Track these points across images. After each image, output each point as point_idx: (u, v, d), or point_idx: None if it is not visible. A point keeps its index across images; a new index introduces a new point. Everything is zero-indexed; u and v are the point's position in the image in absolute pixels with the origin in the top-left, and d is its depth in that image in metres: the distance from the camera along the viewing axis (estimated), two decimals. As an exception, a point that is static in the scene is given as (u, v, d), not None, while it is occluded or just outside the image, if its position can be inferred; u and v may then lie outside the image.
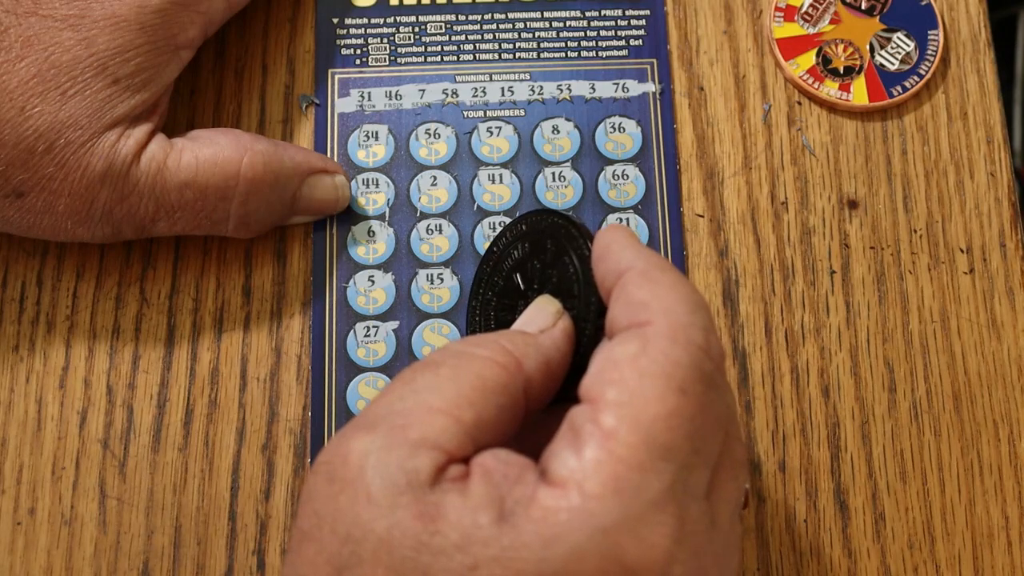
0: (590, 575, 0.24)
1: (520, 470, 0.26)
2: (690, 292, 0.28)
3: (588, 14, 0.42)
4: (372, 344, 0.38)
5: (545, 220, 0.32)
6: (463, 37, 0.41)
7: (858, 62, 0.41)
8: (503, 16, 0.42)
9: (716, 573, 0.26)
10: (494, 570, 0.24)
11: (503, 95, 0.41)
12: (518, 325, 0.31)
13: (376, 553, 0.24)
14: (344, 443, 0.26)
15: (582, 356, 0.30)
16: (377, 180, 0.40)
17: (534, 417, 0.29)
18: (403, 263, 0.39)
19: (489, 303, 0.34)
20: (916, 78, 0.41)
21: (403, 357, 0.38)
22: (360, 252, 0.39)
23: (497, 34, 0.41)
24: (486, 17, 0.42)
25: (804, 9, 0.42)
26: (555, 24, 0.42)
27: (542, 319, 0.30)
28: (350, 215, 0.39)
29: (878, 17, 0.42)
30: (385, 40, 0.41)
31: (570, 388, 0.30)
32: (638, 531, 0.24)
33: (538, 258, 0.32)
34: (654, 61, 0.41)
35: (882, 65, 0.41)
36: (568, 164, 0.40)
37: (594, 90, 0.41)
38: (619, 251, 0.29)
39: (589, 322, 0.30)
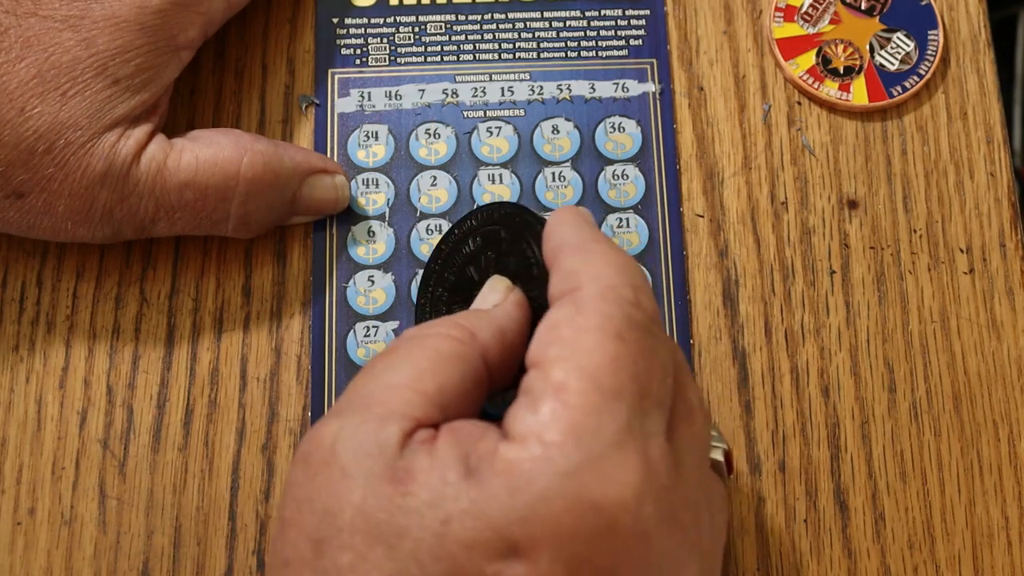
0: (559, 517, 0.24)
1: (483, 430, 0.27)
2: (619, 257, 0.29)
3: (588, 14, 0.42)
4: (372, 344, 0.38)
5: (498, 212, 0.33)
6: (463, 37, 0.41)
7: (858, 62, 0.41)
8: (503, 16, 0.42)
9: (689, 518, 0.26)
10: (465, 522, 0.24)
11: (503, 95, 0.41)
12: (472, 307, 0.32)
13: (353, 521, 0.25)
14: (316, 431, 0.27)
15: None
16: (377, 180, 0.40)
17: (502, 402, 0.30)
18: (403, 263, 0.39)
19: (440, 299, 0.34)
20: (916, 78, 0.41)
21: (403, 357, 0.38)
22: (360, 252, 0.39)
23: (497, 34, 0.41)
24: (486, 17, 0.42)
25: (804, 9, 0.42)
26: (555, 24, 0.42)
27: (494, 296, 0.31)
28: (350, 215, 0.39)
29: (878, 17, 0.42)
30: (385, 40, 0.41)
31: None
32: (601, 470, 0.25)
33: (493, 249, 0.33)
34: (654, 61, 0.41)
35: (882, 65, 0.41)
36: (568, 164, 0.40)
37: (594, 90, 0.41)
38: (559, 230, 0.30)
39: (548, 305, 0.30)
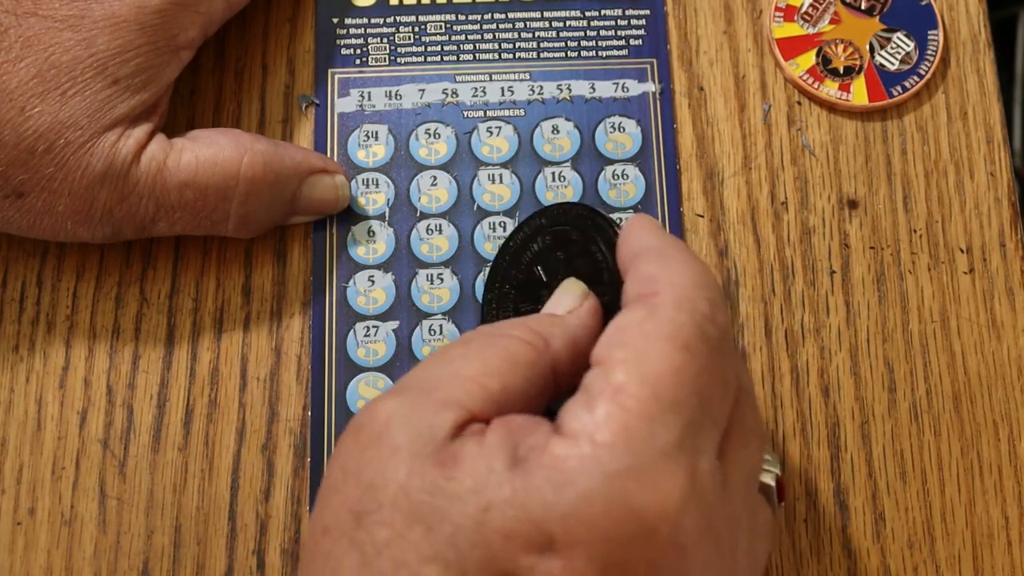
0: (598, 518, 0.24)
1: (535, 424, 0.27)
2: (699, 269, 0.29)
3: (588, 14, 0.42)
4: (372, 344, 0.38)
5: (569, 213, 0.33)
6: (463, 37, 0.41)
7: (858, 62, 0.41)
8: (503, 16, 0.42)
9: (728, 537, 0.26)
10: (506, 511, 0.24)
11: (503, 95, 0.41)
12: (546, 310, 0.32)
13: (395, 499, 0.25)
14: (374, 405, 0.27)
15: None
16: (377, 180, 0.40)
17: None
18: (403, 263, 0.39)
19: (508, 296, 0.34)
20: (916, 78, 0.41)
21: (403, 357, 0.38)
22: (360, 252, 0.39)
23: (497, 34, 0.41)
24: (486, 17, 0.42)
25: (804, 9, 0.42)
26: (555, 24, 0.42)
27: (568, 300, 0.31)
28: (350, 215, 0.39)
29: (878, 17, 0.42)
30: (385, 40, 0.41)
31: None
32: (647, 478, 0.25)
33: (562, 249, 0.33)
34: (654, 61, 0.41)
35: (882, 65, 0.41)
36: (568, 164, 0.40)
37: (594, 90, 0.41)
38: (637, 235, 0.30)
39: (620, 307, 0.30)
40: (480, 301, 0.37)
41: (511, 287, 0.34)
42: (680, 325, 0.27)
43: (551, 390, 0.29)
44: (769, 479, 0.32)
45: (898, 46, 0.41)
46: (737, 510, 0.27)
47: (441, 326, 0.38)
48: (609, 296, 0.31)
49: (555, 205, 0.34)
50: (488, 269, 0.35)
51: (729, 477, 0.27)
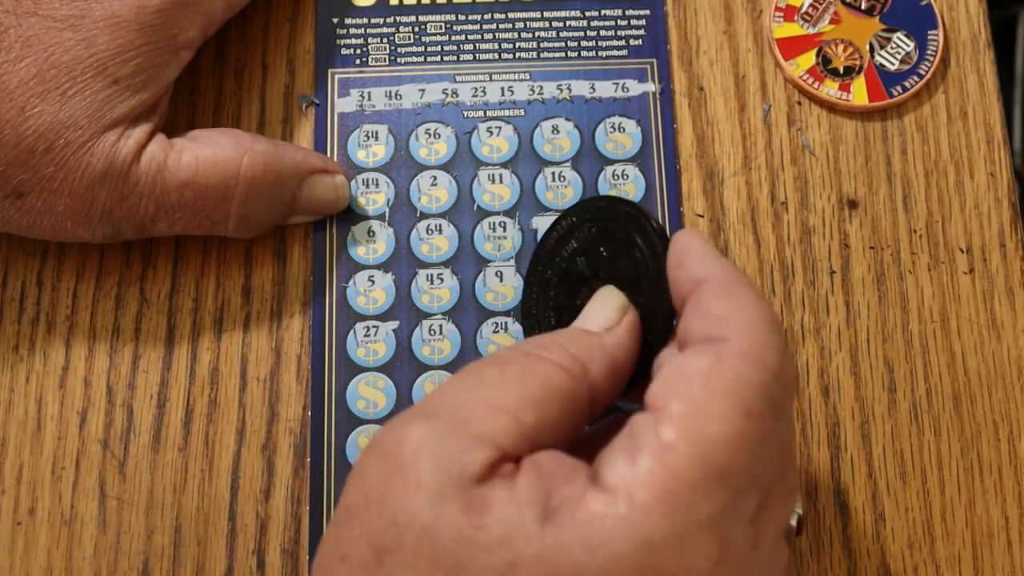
0: None
1: (571, 470, 0.25)
2: (768, 311, 0.27)
3: (588, 14, 0.42)
4: (372, 344, 0.38)
5: (617, 208, 0.31)
6: (463, 37, 0.41)
7: (858, 62, 0.41)
8: (503, 16, 0.42)
9: None
10: (534, 568, 0.24)
11: (503, 95, 0.41)
12: (582, 318, 0.30)
13: (419, 541, 0.24)
14: (402, 427, 0.26)
15: (646, 355, 0.29)
16: (377, 180, 0.40)
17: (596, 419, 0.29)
18: (403, 263, 0.39)
19: (549, 282, 0.33)
20: (916, 78, 0.41)
21: (403, 357, 0.38)
22: (360, 252, 0.39)
23: (497, 34, 0.41)
24: (486, 17, 0.42)
25: (804, 9, 0.42)
26: (555, 24, 0.42)
27: (607, 314, 0.30)
28: (350, 215, 0.39)
29: (878, 17, 0.42)
30: (385, 40, 0.41)
31: (630, 385, 0.29)
32: (681, 549, 0.24)
33: (606, 245, 0.32)
34: (654, 61, 0.41)
35: (882, 65, 0.41)
36: (568, 164, 0.40)
37: (594, 90, 0.41)
38: (698, 259, 0.28)
39: (658, 321, 0.29)
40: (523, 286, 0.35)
41: (553, 274, 0.33)
42: (746, 384, 0.25)
43: (586, 418, 0.28)
44: (792, 520, 0.31)
45: (898, 46, 0.41)
46: (762, 566, 0.26)
47: (441, 326, 0.38)
48: (646, 307, 0.30)
49: (606, 197, 0.32)
50: (533, 251, 0.34)
51: (760, 538, 0.26)
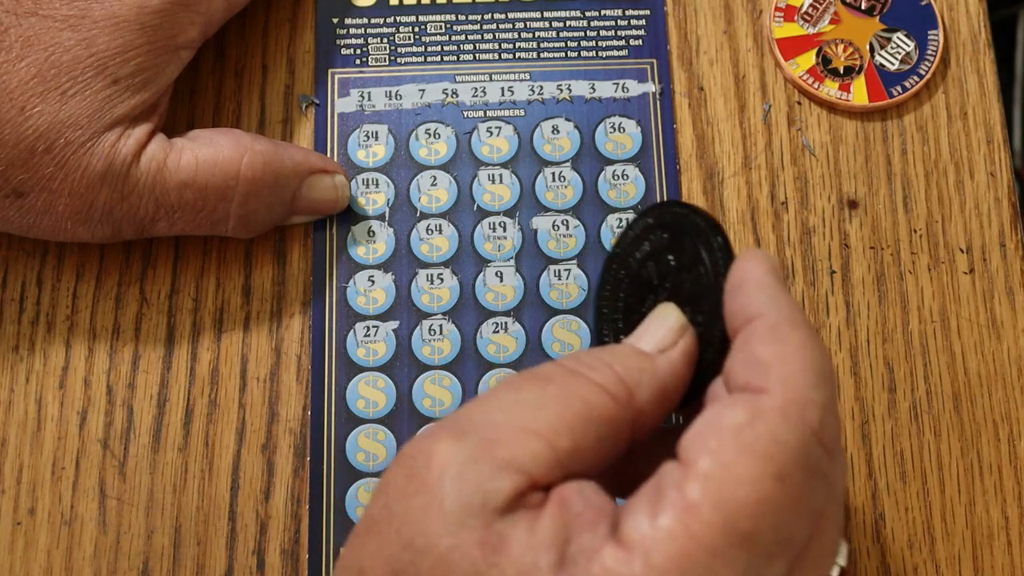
0: None
1: (595, 515, 0.25)
2: (817, 359, 0.25)
3: (588, 14, 0.42)
4: (372, 344, 0.38)
5: (690, 217, 0.30)
6: (463, 37, 0.41)
7: (858, 62, 0.41)
8: (503, 16, 0.42)
9: None
10: None
11: (503, 95, 0.41)
12: (637, 335, 0.29)
13: (433, 569, 0.24)
14: (433, 443, 0.25)
15: (700, 374, 0.29)
16: (377, 180, 0.40)
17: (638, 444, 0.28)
18: (403, 263, 0.39)
19: (621, 281, 0.32)
20: (916, 78, 0.41)
21: (403, 357, 0.38)
22: (360, 252, 0.39)
23: (497, 34, 0.41)
24: (486, 17, 0.42)
25: (804, 9, 0.42)
26: (555, 24, 0.42)
27: (662, 335, 0.28)
28: (350, 215, 0.39)
29: (878, 17, 0.42)
30: (385, 40, 0.41)
31: (680, 406, 0.28)
32: None
33: (675, 254, 0.30)
34: (654, 61, 0.41)
35: (882, 65, 0.41)
36: (568, 164, 0.40)
37: (594, 90, 0.41)
38: (753, 291, 0.27)
39: (713, 344, 0.28)
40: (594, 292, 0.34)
41: (625, 274, 0.32)
42: (780, 446, 0.24)
43: (625, 444, 0.27)
44: (835, 573, 0.30)
45: (898, 46, 0.41)
46: None
47: (441, 326, 0.38)
48: (705, 327, 0.29)
49: (683, 203, 0.31)
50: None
51: None
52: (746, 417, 0.24)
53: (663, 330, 0.29)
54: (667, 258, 0.30)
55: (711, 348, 0.28)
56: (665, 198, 0.39)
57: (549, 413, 0.25)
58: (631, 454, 0.28)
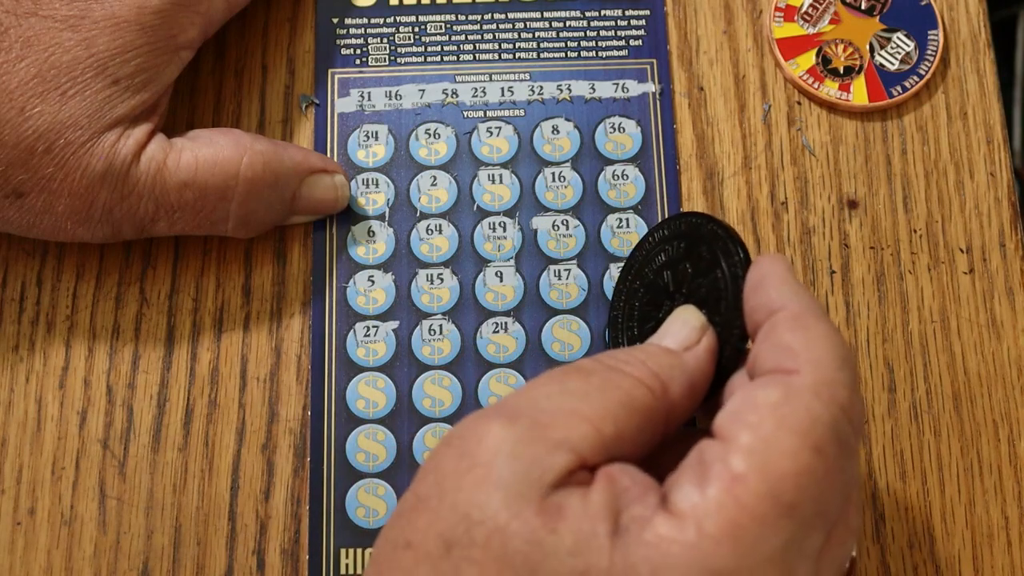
0: None
1: (643, 490, 0.26)
2: (840, 345, 0.27)
3: (588, 14, 0.42)
4: (372, 344, 0.38)
5: (705, 226, 0.32)
6: (463, 37, 0.41)
7: (858, 62, 0.41)
8: (503, 16, 0.42)
9: None
10: None
11: (503, 95, 0.41)
12: (661, 335, 0.31)
13: (490, 539, 0.24)
14: (483, 424, 0.26)
15: (717, 375, 0.30)
16: (377, 180, 0.40)
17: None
18: (403, 263, 0.39)
19: (636, 292, 0.34)
20: (916, 78, 0.41)
21: (403, 357, 0.38)
22: (360, 252, 0.39)
23: (497, 34, 0.41)
24: (486, 17, 0.42)
25: (804, 9, 0.42)
26: (555, 24, 0.42)
27: (686, 334, 0.30)
28: (350, 215, 0.39)
29: (878, 17, 0.42)
30: (385, 40, 0.41)
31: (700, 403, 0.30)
32: None
33: (691, 262, 0.32)
34: (654, 61, 0.41)
35: (882, 65, 0.41)
36: (568, 164, 0.40)
37: (594, 90, 0.41)
38: (775, 286, 0.29)
39: (730, 344, 0.30)
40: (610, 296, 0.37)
41: (641, 284, 0.34)
42: (815, 420, 0.25)
43: (660, 434, 0.28)
44: (846, 562, 0.31)
45: (898, 46, 0.41)
46: None
47: (441, 326, 0.38)
48: (721, 327, 0.30)
49: (698, 213, 0.33)
50: (626, 258, 0.35)
51: (819, 575, 0.26)
52: (781, 394, 0.26)
53: (687, 329, 0.30)
54: (684, 266, 0.32)
55: (728, 346, 0.30)
56: (665, 198, 0.39)
57: (594, 401, 0.27)
58: (656, 450, 0.29)
